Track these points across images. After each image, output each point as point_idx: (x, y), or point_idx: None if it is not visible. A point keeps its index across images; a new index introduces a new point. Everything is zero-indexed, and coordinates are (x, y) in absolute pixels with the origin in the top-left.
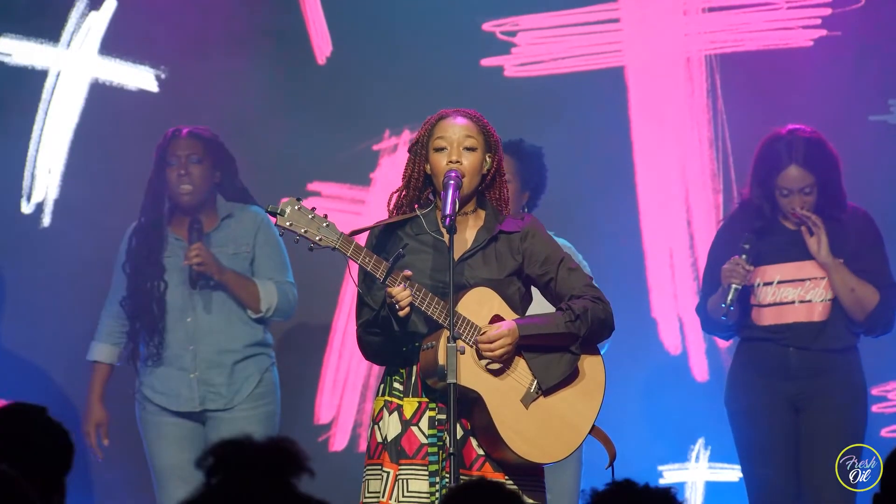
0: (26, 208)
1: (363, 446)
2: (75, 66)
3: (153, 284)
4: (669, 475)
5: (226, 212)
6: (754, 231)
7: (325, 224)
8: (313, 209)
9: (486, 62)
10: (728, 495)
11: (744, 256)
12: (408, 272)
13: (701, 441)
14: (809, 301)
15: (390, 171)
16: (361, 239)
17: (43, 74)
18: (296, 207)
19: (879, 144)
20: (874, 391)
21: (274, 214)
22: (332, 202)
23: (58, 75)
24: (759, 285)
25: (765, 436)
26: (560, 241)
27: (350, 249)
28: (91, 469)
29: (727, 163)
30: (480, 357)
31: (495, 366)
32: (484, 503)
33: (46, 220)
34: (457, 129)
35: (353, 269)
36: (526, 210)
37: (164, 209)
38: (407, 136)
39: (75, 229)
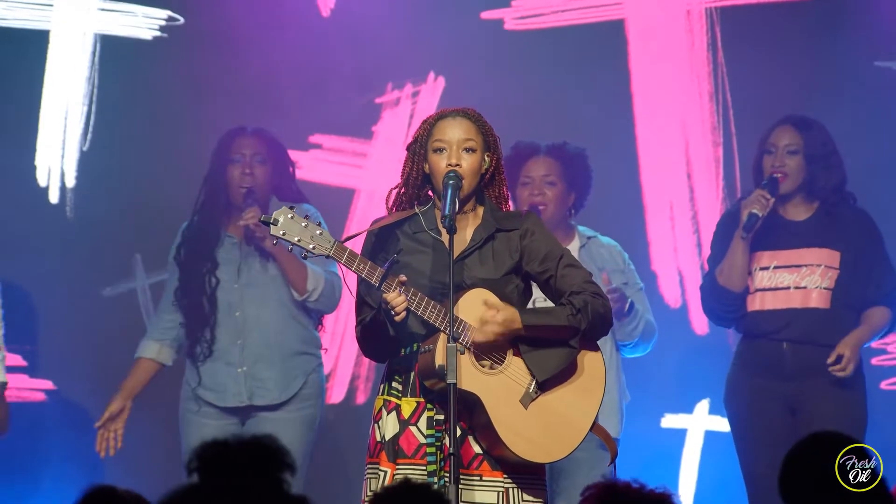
0: (42, 180)
1: (361, 398)
2: (75, 21)
3: (205, 279)
4: (669, 421)
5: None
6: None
7: (318, 232)
8: (306, 217)
9: (486, 15)
10: (728, 445)
11: (766, 189)
12: (402, 277)
13: (701, 395)
14: (805, 287)
15: (392, 125)
16: (358, 241)
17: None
18: (289, 216)
19: (885, 91)
20: (874, 344)
21: (267, 224)
22: (334, 155)
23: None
24: (755, 270)
25: (759, 437)
26: (605, 240)
27: (344, 257)
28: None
29: (727, 116)
30: (478, 358)
31: (494, 367)
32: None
33: (71, 180)
34: (456, 130)
35: (350, 273)
36: (573, 212)
37: (221, 206)
38: (409, 90)
39: (93, 188)
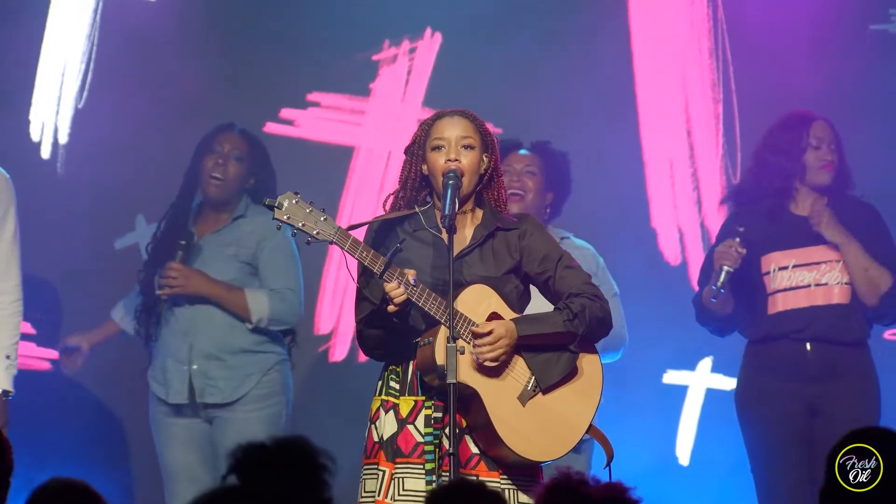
0: (35, 135)
1: (363, 357)
2: None
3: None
4: (670, 377)
5: (240, 211)
6: (764, 212)
7: (322, 218)
8: (311, 203)
9: None
10: (729, 403)
11: (737, 239)
12: (412, 271)
13: (703, 353)
14: (826, 284)
15: (389, 82)
16: (359, 234)
17: None
18: (293, 201)
19: (880, 54)
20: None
21: (271, 208)
22: (332, 112)
23: None
24: (774, 270)
25: (778, 443)
26: (579, 242)
27: (347, 244)
28: (100, 468)
29: (727, 72)
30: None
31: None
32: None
33: (63, 138)
34: (455, 128)
35: (352, 264)
36: (549, 211)
37: (193, 201)
38: (406, 47)
39: (88, 152)
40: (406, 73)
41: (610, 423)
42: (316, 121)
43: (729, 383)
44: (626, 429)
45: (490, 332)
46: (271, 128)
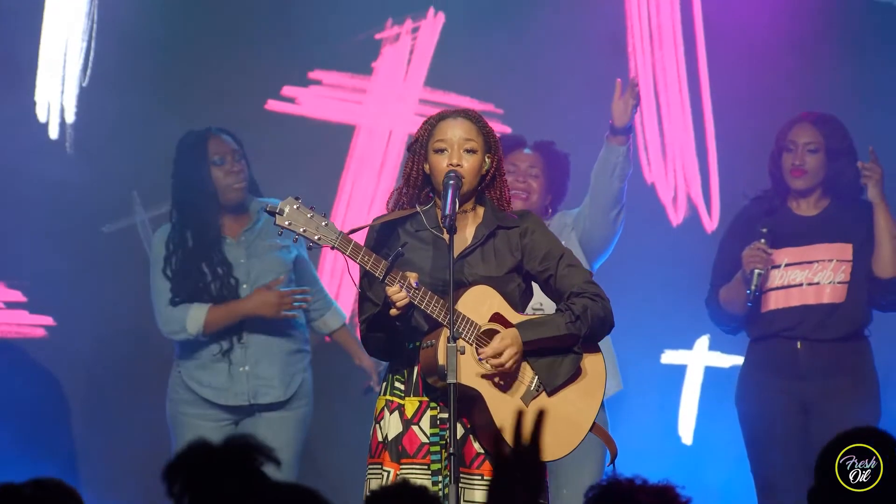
0: (42, 116)
1: None
2: None
3: (222, 280)
4: (669, 357)
5: (260, 205)
6: (767, 215)
7: (323, 223)
8: (312, 208)
9: None
10: (728, 381)
11: (763, 241)
12: (413, 274)
13: (702, 334)
14: (818, 283)
15: (391, 61)
16: (360, 236)
17: None
18: (294, 207)
19: (881, 28)
20: None
21: (273, 214)
22: (334, 91)
23: None
24: (767, 269)
25: (773, 439)
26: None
27: (349, 248)
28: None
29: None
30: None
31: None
32: None
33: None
34: (457, 130)
35: (352, 265)
36: (550, 212)
37: (213, 209)
38: (409, 26)
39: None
40: (408, 53)
41: (611, 406)
42: (317, 99)
43: (727, 360)
44: (627, 410)
45: (499, 353)
46: (272, 105)
